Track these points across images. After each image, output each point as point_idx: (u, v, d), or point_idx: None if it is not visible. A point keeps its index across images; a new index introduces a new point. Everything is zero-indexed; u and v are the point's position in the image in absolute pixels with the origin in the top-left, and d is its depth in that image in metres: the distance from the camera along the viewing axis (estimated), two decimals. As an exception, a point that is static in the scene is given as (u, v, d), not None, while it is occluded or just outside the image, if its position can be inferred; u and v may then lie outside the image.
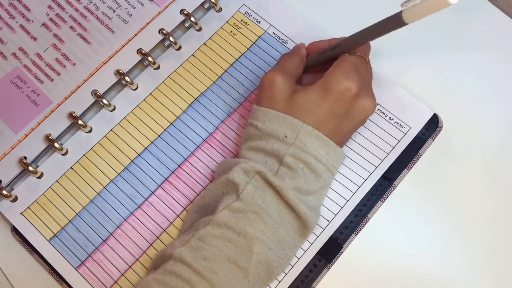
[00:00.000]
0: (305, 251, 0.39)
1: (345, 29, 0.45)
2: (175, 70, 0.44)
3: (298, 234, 0.37)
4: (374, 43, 0.45)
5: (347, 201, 0.40)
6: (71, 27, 0.45)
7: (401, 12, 0.31)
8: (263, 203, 0.35)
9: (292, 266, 0.39)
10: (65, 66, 0.44)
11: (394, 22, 0.32)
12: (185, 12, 0.44)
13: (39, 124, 0.42)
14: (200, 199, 0.39)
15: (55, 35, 0.45)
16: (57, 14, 0.45)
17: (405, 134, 0.42)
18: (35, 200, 0.41)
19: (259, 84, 0.38)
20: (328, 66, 0.37)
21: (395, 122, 0.42)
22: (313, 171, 0.36)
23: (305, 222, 0.36)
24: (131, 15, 0.45)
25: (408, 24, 0.31)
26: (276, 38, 0.45)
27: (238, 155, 0.39)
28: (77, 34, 0.45)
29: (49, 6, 0.45)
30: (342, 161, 0.38)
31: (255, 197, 0.35)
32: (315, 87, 0.36)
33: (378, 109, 0.42)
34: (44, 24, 0.45)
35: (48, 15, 0.45)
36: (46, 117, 0.42)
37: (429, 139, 0.42)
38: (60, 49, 0.44)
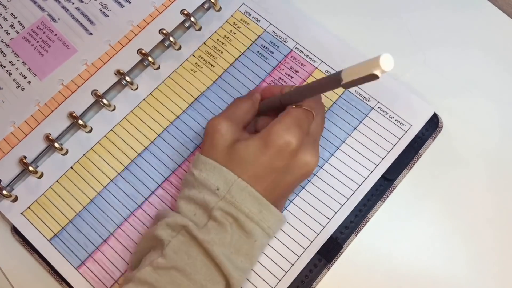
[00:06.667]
0: (305, 250, 0.39)
1: (345, 26, 0.46)
2: (175, 70, 0.44)
3: None
4: (375, 43, 0.45)
5: (348, 199, 0.40)
6: None
7: (340, 71, 0.31)
8: (188, 259, 0.34)
9: (292, 265, 0.39)
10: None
11: (333, 81, 0.31)
12: (185, 12, 0.44)
13: (39, 123, 0.42)
14: (133, 255, 0.38)
15: None
16: None
17: (406, 132, 0.42)
18: (35, 200, 0.41)
19: (205, 129, 0.38)
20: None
21: (395, 120, 0.42)
22: (243, 229, 0.35)
23: (228, 281, 0.34)
24: None
25: (345, 87, 0.31)
26: (276, 36, 0.45)
27: None
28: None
29: None
30: (280, 223, 0.37)
31: (179, 252, 0.34)
32: (256, 138, 0.35)
33: (378, 107, 0.42)
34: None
35: None
36: (46, 117, 0.42)
37: (429, 139, 0.42)
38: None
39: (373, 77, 0.28)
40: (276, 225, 0.37)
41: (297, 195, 0.41)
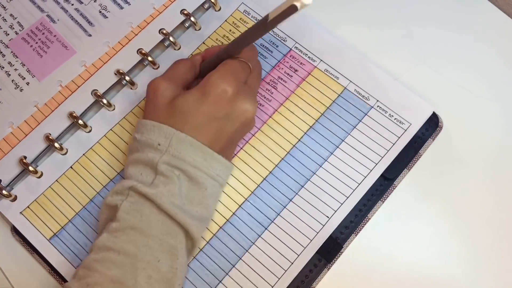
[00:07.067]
0: (304, 249, 0.39)
1: (344, 25, 0.46)
2: (175, 70, 0.44)
3: (187, 243, 0.36)
4: (374, 43, 0.45)
5: (347, 197, 0.40)
6: None
7: (267, 14, 0.32)
8: (141, 217, 0.34)
9: (292, 263, 0.39)
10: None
11: (262, 23, 0.33)
12: (185, 12, 0.45)
13: (39, 123, 0.42)
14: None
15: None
16: None
17: (405, 130, 0.42)
18: (35, 200, 0.41)
19: (146, 92, 0.39)
20: None
21: (394, 118, 0.42)
22: (191, 179, 0.35)
23: (187, 231, 0.35)
24: None
25: (272, 25, 0.32)
26: (275, 36, 0.45)
27: None
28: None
29: None
30: (228, 169, 0.38)
31: (131, 212, 0.34)
32: (194, 90, 0.36)
33: (377, 106, 0.42)
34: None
35: None
36: (46, 117, 0.43)
37: (429, 138, 0.42)
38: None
39: (293, 9, 0.29)
40: (224, 172, 0.37)
41: (297, 193, 0.41)
